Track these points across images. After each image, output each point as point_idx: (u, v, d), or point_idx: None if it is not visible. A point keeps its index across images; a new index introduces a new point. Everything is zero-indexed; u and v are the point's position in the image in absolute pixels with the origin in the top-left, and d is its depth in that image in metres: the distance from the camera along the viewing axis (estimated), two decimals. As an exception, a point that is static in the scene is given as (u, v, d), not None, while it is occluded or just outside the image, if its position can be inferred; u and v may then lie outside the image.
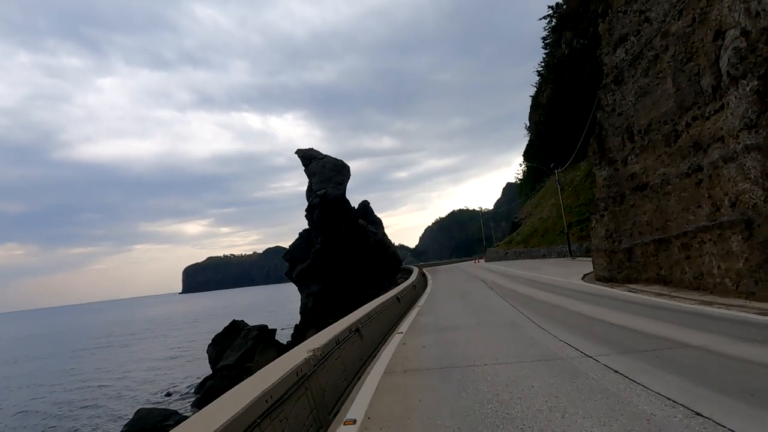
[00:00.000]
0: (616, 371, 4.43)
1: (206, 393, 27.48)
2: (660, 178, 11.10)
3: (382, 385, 4.85)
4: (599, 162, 13.82)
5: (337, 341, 5.58)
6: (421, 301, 14.27)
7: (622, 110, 12.81)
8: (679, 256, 10.32)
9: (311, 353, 4.67)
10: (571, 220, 34.53)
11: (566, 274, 18.59)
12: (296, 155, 39.39)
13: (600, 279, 14.59)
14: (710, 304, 8.24)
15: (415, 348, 6.75)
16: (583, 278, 16.53)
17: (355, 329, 6.75)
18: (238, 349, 33.90)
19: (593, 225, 14.86)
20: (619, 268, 13.04)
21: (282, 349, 33.07)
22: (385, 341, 7.85)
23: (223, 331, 36.30)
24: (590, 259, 28.38)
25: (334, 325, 6.60)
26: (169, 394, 30.80)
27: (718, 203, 8.92)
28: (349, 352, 6.01)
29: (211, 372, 32.61)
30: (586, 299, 10.48)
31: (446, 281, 23.63)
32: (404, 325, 9.24)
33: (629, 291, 11.32)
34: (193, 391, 30.96)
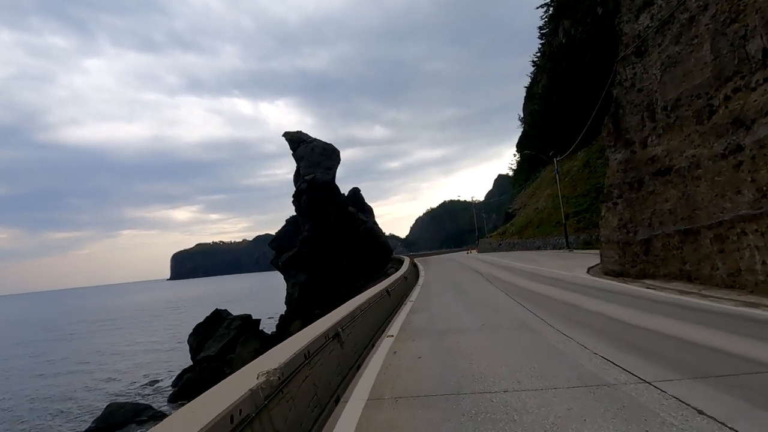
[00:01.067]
0: (700, 412, 3.07)
1: (184, 386, 26.07)
2: (688, 161, 9.77)
3: (365, 423, 3.45)
4: (614, 144, 12.46)
5: (307, 355, 4.15)
6: (414, 295, 12.91)
7: (643, 85, 11.41)
8: (710, 250, 9.04)
9: (264, 379, 3.22)
10: (567, 211, 33.34)
11: (568, 267, 17.35)
12: (284, 138, 37.62)
13: (609, 273, 13.34)
14: (756, 305, 6.97)
15: (409, 359, 5.36)
16: (588, 272, 15.31)
17: (333, 335, 5.33)
18: (220, 340, 32.45)
19: (603, 214, 13.57)
20: (634, 262, 11.76)
21: (266, 340, 31.68)
22: (372, 348, 6.47)
23: (204, 320, 34.78)
24: (588, 251, 27.33)
25: (305, 330, 5.17)
26: (146, 386, 29.33)
27: (765, 188, 7.62)
28: (324, 368, 4.59)
29: (191, 363, 31.20)
30: (603, 296, 9.18)
31: (439, 273, 22.33)
32: (395, 326, 7.85)
33: (648, 288, 10.05)
34: (171, 382, 29.52)
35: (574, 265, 17.86)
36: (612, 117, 12.53)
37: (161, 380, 30.38)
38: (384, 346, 6.27)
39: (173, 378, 30.02)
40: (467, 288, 13.50)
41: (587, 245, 30.22)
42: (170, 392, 26.54)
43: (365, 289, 31.56)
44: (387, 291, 10.58)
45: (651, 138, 11.25)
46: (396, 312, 10.09)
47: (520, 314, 7.88)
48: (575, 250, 29.13)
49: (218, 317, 35.50)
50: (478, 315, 8.28)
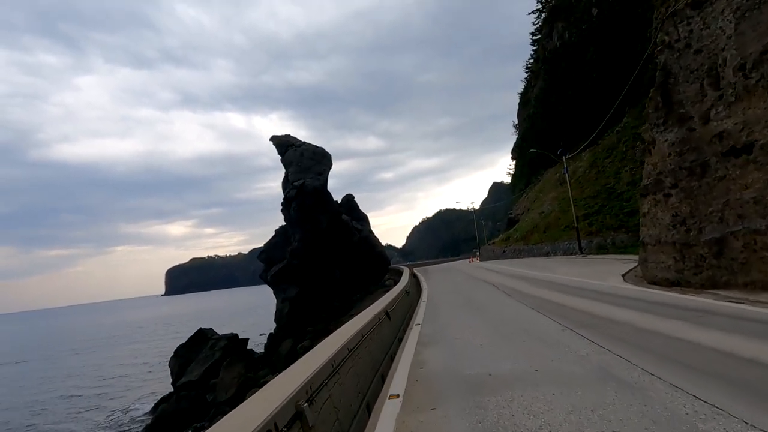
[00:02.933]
0: None
1: (159, 418, 23.20)
2: (780, 133, 7.39)
3: None
4: (664, 121, 10.06)
5: None
6: (419, 316, 10.34)
7: (703, 45, 9.08)
8: (831, 249, 6.61)
9: None
10: (577, 214, 30.96)
11: (596, 275, 14.89)
12: (271, 143, 35.17)
13: (657, 282, 10.87)
14: None
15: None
16: (624, 280, 12.87)
17: (290, 420, 2.82)
18: (203, 363, 29.58)
19: (647, 210, 11.14)
20: (698, 267, 9.30)
21: (252, 362, 28.87)
22: (368, 416, 3.93)
23: (187, 341, 31.95)
24: (605, 256, 24.85)
25: (228, 419, 2.62)
26: (120, 416, 26.36)
27: None
28: None
29: (172, 389, 28.28)
30: (685, 317, 6.64)
31: (444, 284, 19.77)
32: (400, 373, 5.29)
33: (732, 301, 7.57)
34: (148, 411, 26.62)
35: (602, 273, 15.42)
36: (660, 88, 10.15)
37: (137, 409, 27.43)
38: (385, 422, 3.72)
39: (151, 406, 27.09)
40: (485, 305, 10.95)
41: (601, 250, 27.84)
42: (143, 425, 23.63)
43: (362, 304, 28.71)
44: (386, 313, 8.04)
45: (716, 110, 8.87)
46: (400, 342, 7.55)
47: (583, 349, 5.36)
48: (589, 256, 26.68)
49: (202, 337, 32.67)
50: (518, 349, 5.75)
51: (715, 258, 8.84)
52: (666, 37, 9.99)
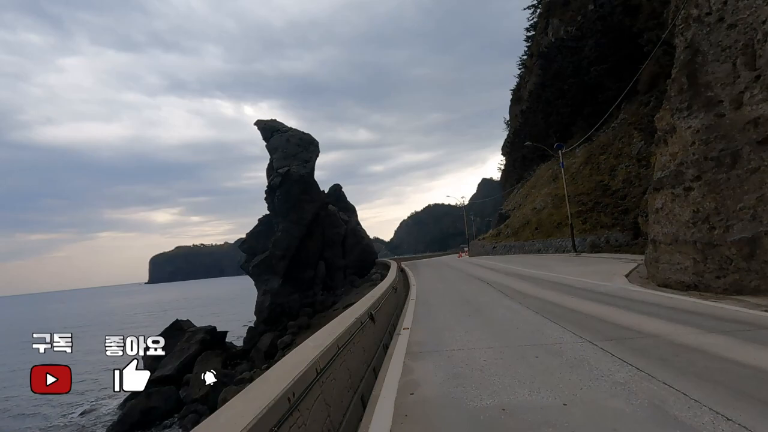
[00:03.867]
0: None
1: (126, 416, 21.78)
2: (835, 117, 6.34)
3: None
4: (688, 105, 8.99)
5: None
6: (408, 317, 9.18)
7: (739, 18, 8.00)
8: None
9: None
10: (570, 211, 30.09)
11: (595, 274, 13.93)
12: (256, 128, 33.56)
13: (668, 284, 9.88)
14: None
15: None
16: (629, 281, 11.89)
17: None
18: (179, 356, 28.23)
19: (661, 205, 10.10)
20: (722, 270, 8.28)
21: (230, 357, 27.58)
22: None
23: (163, 333, 30.46)
24: (600, 255, 24.01)
25: None
26: (84, 414, 24.85)
27: None
28: None
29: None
30: (729, 331, 5.58)
31: (434, 281, 18.66)
32: (383, 404, 4.06)
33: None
34: (115, 407, 25.16)
35: (603, 272, 14.46)
36: (685, 68, 9.06)
37: (104, 405, 25.92)
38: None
39: (120, 401, 25.62)
40: (482, 307, 9.81)
41: (595, 248, 27.04)
42: (110, 422, 22.20)
43: (347, 298, 27.29)
44: (371, 315, 6.85)
45: (750, 92, 7.82)
46: (386, 350, 6.38)
47: (617, 372, 4.24)
48: (583, 254, 25.87)
49: (179, 329, 31.31)
50: (533, 369, 4.61)
51: (745, 260, 7.83)
52: (695, 10, 8.89)
